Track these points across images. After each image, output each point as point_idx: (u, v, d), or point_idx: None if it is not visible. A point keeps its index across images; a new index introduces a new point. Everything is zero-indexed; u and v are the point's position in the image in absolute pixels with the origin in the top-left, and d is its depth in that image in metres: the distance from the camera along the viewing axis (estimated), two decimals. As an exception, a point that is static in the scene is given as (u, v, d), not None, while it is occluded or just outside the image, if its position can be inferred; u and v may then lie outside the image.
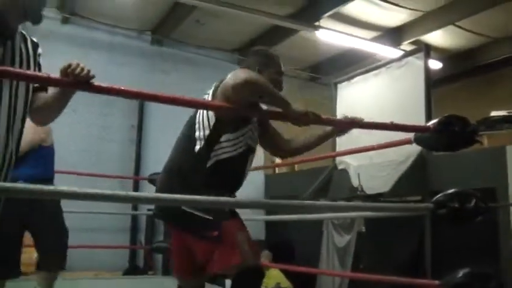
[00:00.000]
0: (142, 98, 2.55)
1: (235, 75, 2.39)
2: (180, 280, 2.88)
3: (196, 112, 2.66)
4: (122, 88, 2.07)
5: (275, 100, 2.43)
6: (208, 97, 2.62)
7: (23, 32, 2.12)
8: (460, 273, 2.83)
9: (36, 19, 2.11)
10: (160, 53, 8.81)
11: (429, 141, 2.94)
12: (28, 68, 2.09)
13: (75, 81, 1.90)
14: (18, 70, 2.03)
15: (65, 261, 3.93)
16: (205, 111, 2.60)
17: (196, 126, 2.60)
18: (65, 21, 8.00)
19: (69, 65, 1.90)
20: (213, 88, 2.64)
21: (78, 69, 1.90)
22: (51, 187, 2.17)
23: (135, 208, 7.70)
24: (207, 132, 2.56)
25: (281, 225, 8.02)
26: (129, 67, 8.26)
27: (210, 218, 2.48)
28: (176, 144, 2.73)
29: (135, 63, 8.43)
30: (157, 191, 2.62)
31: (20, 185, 1.94)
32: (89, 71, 1.92)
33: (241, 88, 2.33)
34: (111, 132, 8.03)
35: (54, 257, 3.85)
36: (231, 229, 2.52)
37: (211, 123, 2.56)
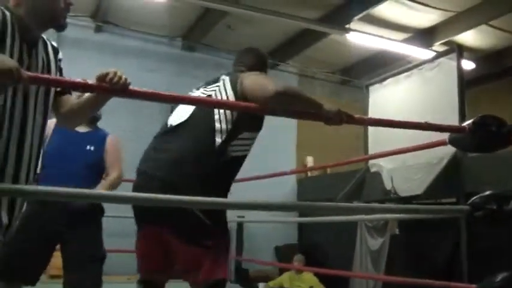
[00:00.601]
0: (176, 101, 2.52)
1: (264, 84, 2.34)
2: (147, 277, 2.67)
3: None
4: (157, 92, 2.12)
5: (308, 105, 2.36)
6: (216, 93, 2.54)
7: (43, 36, 2.12)
8: (498, 277, 2.79)
9: (60, 26, 2.10)
10: (191, 59, 8.88)
11: (464, 142, 2.89)
12: (49, 73, 2.08)
13: (112, 88, 1.94)
14: (57, 77, 2.07)
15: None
16: (228, 111, 2.48)
17: (216, 117, 2.45)
18: (97, 29, 8.14)
19: (107, 74, 1.94)
20: (228, 84, 2.54)
21: (116, 78, 1.94)
22: (79, 190, 2.17)
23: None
24: (230, 126, 2.44)
25: (314, 228, 8.00)
26: (161, 73, 8.34)
27: (209, 223, 2.38)
28: (185, 133, 2.49)
29: (166, 69, 8.51)
30: (160, 180, 2.39)
31: (45, 188, 1.97)
32: (126, 79, 1.96)
33: (276, 100, 2.27)
34: (143, 134, 8.08)
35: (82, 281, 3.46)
36: (223, 241, 2.50)
37: (234, 117, 2.45)
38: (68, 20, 2.14)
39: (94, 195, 2.58)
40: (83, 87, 1.98)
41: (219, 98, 2.50)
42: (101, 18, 8.05)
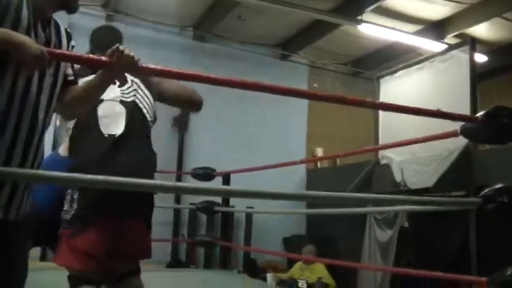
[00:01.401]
0: (184, 79, 2.58)
1: (187, 86, 2.90)
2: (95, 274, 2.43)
3: (140, 112, 2.66)
4: (165, 69, 2.24)
5: None
6: (139, 98, 2.71)
7: (55, 19, 2.09)
8: (509, 270, 2.77)
9: (71, 9, 2.09)
10: (202, 49, 8.87)
11: (476, 133, 2.86)
12: None
13: (123, 64, 2.00)
14: (73, 53, 2.09)
15: None
16: (153, 111, 2.79)
17: (150, 123, 2.74)
18: (109, 18, 8.14)
19: (117, 47, 1.99)
20: (142, 86, 2.74)
21: (124, 54, 2.00)
22: (87, 176, 2.13)
23: (177, 201, 7.79)
24: None
25: (322, 219, 7.99)
26: (171, 63, 8.23)
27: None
28: (139, 141, 2.67)
29: (177, 59, 8.49)
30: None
31: (52, 172, 1.97)
32: (133, 56, 2.01)
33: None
34: (154, 127, 8.11)
35: None
36: None
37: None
38: (79, 9, 2.14)
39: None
40: (97, 63, 2.05)
41: (147, 101, 2.71)
42: (112, 8, 8.05)
